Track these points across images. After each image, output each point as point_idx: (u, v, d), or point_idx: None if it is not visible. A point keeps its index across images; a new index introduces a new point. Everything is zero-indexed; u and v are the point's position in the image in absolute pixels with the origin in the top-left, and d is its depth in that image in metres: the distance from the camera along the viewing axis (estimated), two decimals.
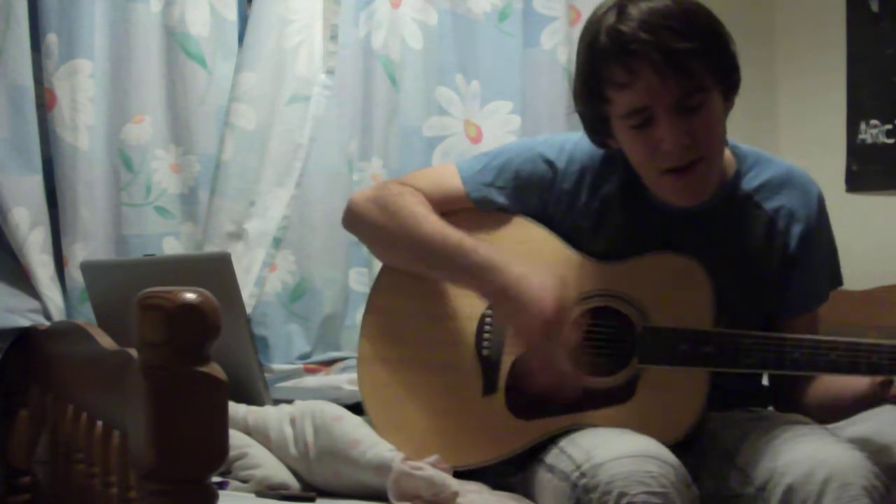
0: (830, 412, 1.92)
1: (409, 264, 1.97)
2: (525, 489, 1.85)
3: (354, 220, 2.04)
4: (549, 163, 1.97)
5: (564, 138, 2.02)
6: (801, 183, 1.97)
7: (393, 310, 1.99)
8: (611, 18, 1.80)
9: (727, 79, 1.86)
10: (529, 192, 1.97)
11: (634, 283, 1.88)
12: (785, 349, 1.81)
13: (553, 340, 1.82)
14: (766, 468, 1.70)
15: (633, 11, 1.79)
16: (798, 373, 1.88)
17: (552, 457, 1.78)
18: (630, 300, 1.87)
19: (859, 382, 1.85)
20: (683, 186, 1.85)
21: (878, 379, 1.82)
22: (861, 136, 3.23)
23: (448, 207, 1.98)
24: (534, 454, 1.84)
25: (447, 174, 2.02)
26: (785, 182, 1.96)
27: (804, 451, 1.69)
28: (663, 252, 1.89)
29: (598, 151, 1.96)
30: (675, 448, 1.73)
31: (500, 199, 1.98)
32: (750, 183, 1.95)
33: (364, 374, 1.98)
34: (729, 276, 1.89)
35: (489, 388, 1.91)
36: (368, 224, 2.01)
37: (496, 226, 1.98)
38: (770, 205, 1.94)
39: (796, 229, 1.94)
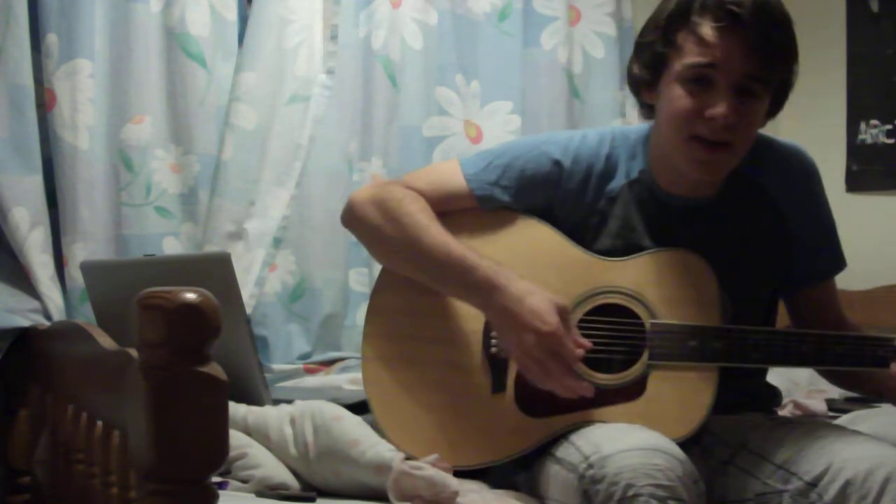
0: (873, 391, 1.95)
1: (409, 273, 1.96)
2: (532, 483, 1.86)
3: (354, 220, 2.01)
4: (556, 162, 1.96)
5: (569, 136, 2.01)
6: (792, 154, 1.99)
7: (394, 309, 1.98)
8: None
9: (778, 96, 1.90)
10: (535, 191, 1.96)
11: (641, 279, 1.89)
12: (791, 343, 1.83)
13: (553, 357, 1.81)
14: (820, 463, 1.72)
15: None
16: (805, 366, 1.91)
17: (561, 450, 1.79)
18: (638, 297, 1.88)
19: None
20: (705, 159, 1.86)
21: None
22: (861, 136, 3.23)
23: (450, 206, 1.97)
24: (542, 449, 1.85)
25: (449, 172, 2.00)
26: (776, 156, 1.98)
27: (863, 450, 1.71)
28: (669, 249, 1.90)
29: (603, 149, 1.97)
30: (683, 445, 1.74)
31: (505, 197, 1.96)
32: (745, 165, 1.95)
33: (369, 374, 1.97)
34: (736, 262, 1.91)
35: (498, 386, 1.91)
36: (368, 226, 1.98)
37: (500, 225, 1.97)
38: (764, 181, 1.96)
39: (791, 199, 1.96)
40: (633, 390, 1.84)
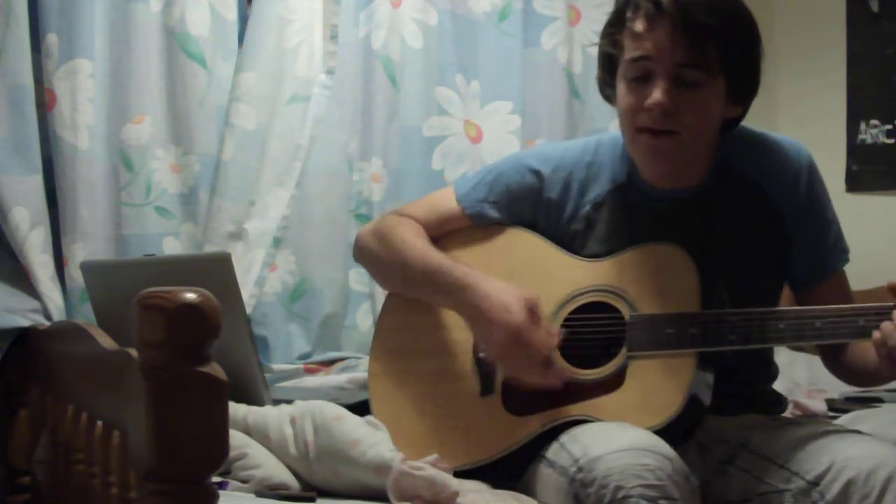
0: (874, 375, 1.92)
1: (400, 288, 2.06)
2: (528, 486, 1.86)
3: (358, 253, 2.15)
4: (535, 172, 2.01)
5: (552, 147, 2.09)
6: (787, 148, 1.98)
7: (399, 328, 2.05)
8: None
9: (737, 75, 1.88)
10: (521, 204, 2.02)
11: (623, 276, 1.90)
12: (768, 322, 1.83)
13: (523, 348, 1.84)
14: (821, 463, 1.71)
15: None
16: (784, 344, 1.91)
17: (553, 452, 1.80)
18: (619, 292, 1.89)
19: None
20: (654, 148, 1.88)
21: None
22: (861, 136, 3.23)
23: (447, 228, 2.05)
24: (536, 452, 1.85)
25: (444, 197, 2.09)
26: (770, 150, 1.97)
27: (865, 449, 1.71)
28: (649, 243, 1.91)
29: (585, 157, 2.00)
30: (681, 445, 1.74)
31: (494, 212, 2.03)
32: (737, 158, 1.96)
33: (374, 390, 2.04)
34: (731, 253, 1.92)
35: (486, 389, 1.95)
36: (368, 255, 2.11)
37: (488, 238, 2.03)
38: (758, 175, 1.96)
39: (787, 194, 1.95)
40: (613, 383, 1.85)
